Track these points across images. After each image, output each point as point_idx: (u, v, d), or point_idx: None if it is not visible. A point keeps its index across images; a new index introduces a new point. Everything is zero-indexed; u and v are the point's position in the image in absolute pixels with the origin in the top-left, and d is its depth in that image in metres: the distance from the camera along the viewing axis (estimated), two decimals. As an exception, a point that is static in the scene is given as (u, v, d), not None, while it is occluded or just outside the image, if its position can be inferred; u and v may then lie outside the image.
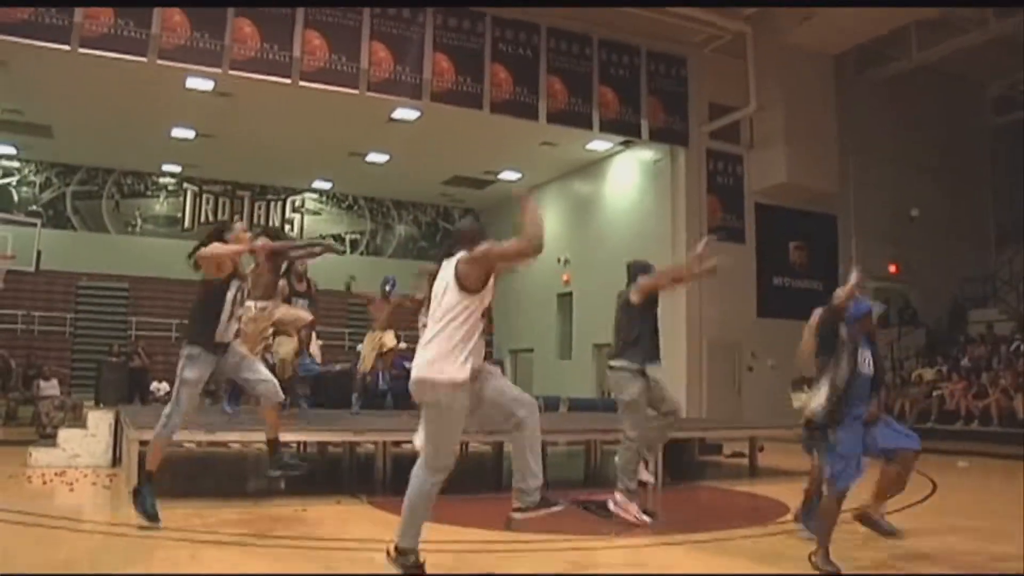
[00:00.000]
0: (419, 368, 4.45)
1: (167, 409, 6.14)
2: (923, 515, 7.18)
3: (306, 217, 26.17)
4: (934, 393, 16.07)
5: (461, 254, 4.51)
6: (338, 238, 26.22)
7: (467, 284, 4.41)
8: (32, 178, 23.26)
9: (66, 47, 13.04)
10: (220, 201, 25.26)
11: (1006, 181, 21.26)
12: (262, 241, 8.30)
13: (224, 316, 6.13)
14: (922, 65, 18.68)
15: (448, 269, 4.54)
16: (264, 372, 6.45)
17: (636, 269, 7.27)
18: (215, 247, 6.14)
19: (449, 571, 4.96)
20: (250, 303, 8.98)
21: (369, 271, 24.66)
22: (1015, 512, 7.28)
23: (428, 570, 4.50)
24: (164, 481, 9.30)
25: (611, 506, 6.65)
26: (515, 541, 5.89)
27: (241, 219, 10.21)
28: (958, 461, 12.34)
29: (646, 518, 6.53)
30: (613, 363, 6.94)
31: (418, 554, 4.50)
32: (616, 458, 6.86)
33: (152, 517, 5.88)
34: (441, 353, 4.37)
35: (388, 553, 4.48)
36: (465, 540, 5.89)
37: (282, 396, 6.48)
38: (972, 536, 6.29)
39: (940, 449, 12.56)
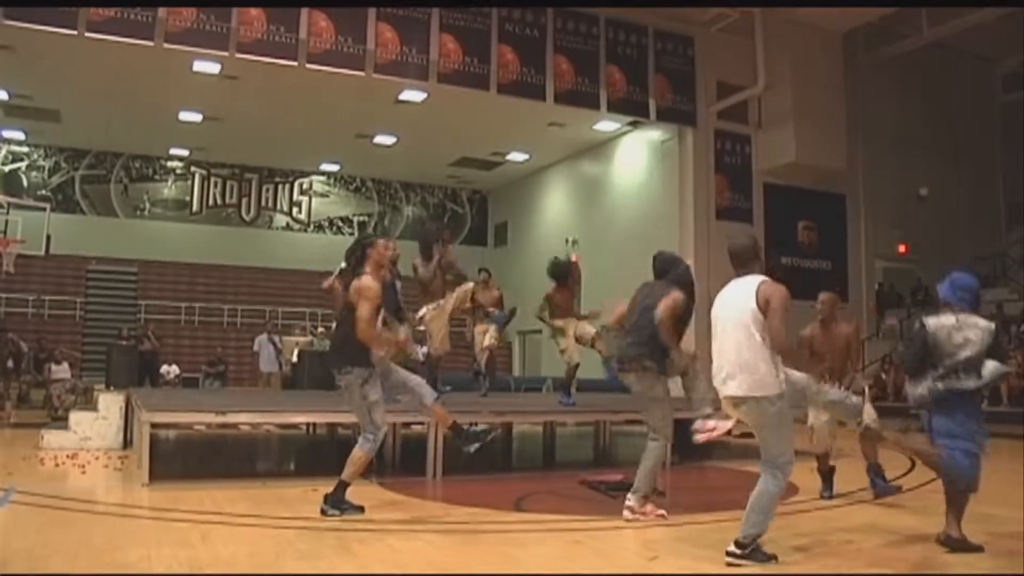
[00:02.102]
0: (746, 384, 4.71)
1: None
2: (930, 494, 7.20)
3: (314, 199, 26.20)
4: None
5: (764, 280, 4.85)
6: (346, 220, 26.28)
7: (764, 309, 4.75)
8: (41, 162, 23.34)
9: (73, 31, 13.03)
10: (228, 184, 25.32)
11: (1016, 159, 21.09)
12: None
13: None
14: (931, 43, 18.51)
15: (743, 289, 4.87)
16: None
17: (665, 266, 6.55)
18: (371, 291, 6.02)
19: (459, 549, 5.00)
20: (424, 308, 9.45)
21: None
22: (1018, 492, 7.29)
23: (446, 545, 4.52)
24: (176, 463, 9.39)
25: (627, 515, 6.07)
26: (522, 521, 5.92)
27: (386, 236, 10.07)
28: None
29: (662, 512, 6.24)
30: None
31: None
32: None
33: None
34: (765, 364, 4.70)
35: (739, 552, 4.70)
36: (474, 520, 5.93)
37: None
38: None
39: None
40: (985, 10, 16.93)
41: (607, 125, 19.92)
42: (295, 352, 17.94)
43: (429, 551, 4.99)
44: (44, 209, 20.24)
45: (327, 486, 6.96)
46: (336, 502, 5.94)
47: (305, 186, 26.18)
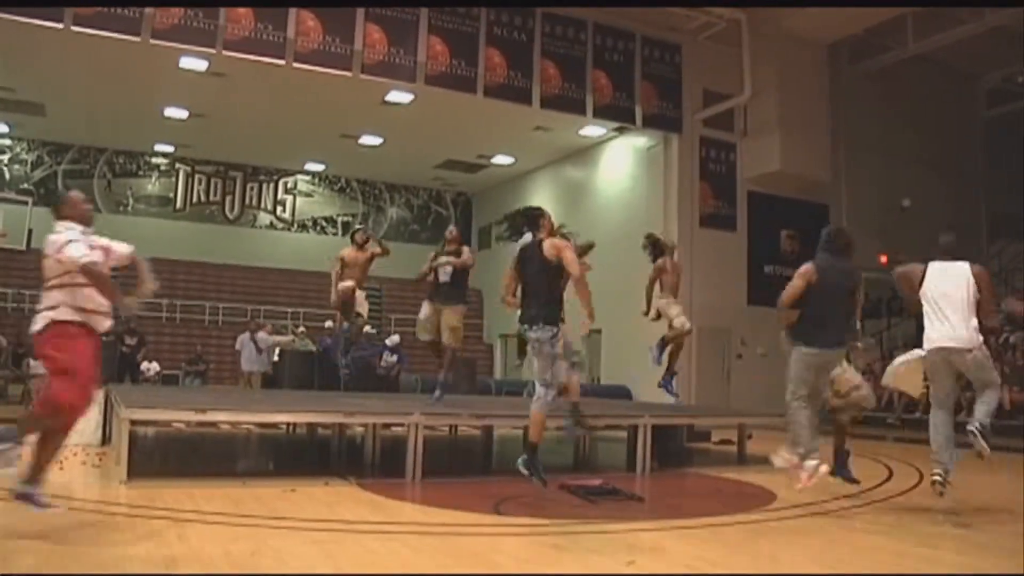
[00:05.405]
0: (972, 340, 6.46)
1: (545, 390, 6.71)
2: (913, 500, 7.26)
3: (298, 199, 26.16)
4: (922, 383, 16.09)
5: (972, 264, 6.53)
6: (330, 220, 26.24)
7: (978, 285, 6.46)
8: (24, 156, 23.19)
9: (59, 25, 12.98)
10: (212, 182, 25.24)
11: (998, 173, 21.29)
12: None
13: None
14: (916, 56, 18.67)
15: (961, 269, 6.58)
16: None
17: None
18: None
19: (437, 551, 5.00)
20: None
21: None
22: (999, 504, 7.36)
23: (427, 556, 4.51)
24: (154, 461, 9.35)
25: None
26: (501, 524, 5.93)
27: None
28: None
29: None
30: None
31: None
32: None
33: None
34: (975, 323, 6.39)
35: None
36: (452, 523, 5.93)
37: None
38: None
39: (927, 440, 12.60)
40: (970, 25, 17.09)
41: (593, 130, 19.98)
42: (276, 351, 17.89)
43: (406, 553, 4.99)
44: (26, 203, 20.15)
45: (306, 486, 6.96)
46: (528, 464, 6.62)
47: (290, 185, 26.13)
